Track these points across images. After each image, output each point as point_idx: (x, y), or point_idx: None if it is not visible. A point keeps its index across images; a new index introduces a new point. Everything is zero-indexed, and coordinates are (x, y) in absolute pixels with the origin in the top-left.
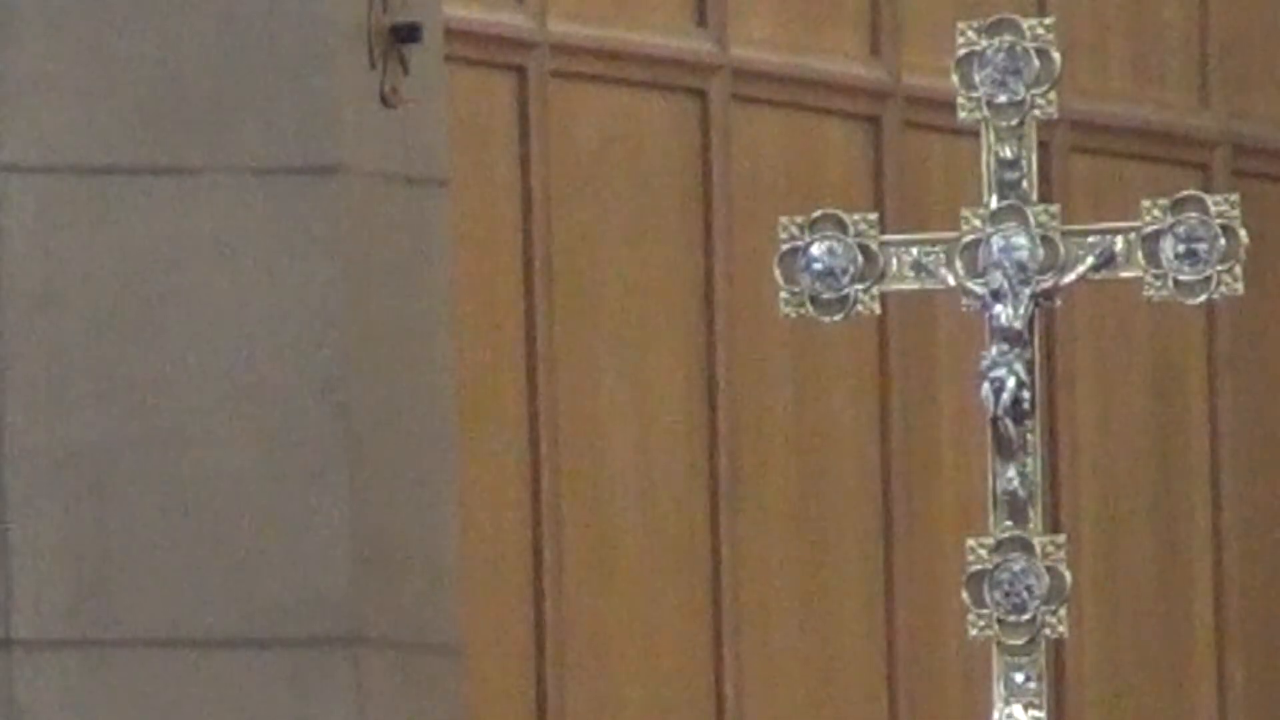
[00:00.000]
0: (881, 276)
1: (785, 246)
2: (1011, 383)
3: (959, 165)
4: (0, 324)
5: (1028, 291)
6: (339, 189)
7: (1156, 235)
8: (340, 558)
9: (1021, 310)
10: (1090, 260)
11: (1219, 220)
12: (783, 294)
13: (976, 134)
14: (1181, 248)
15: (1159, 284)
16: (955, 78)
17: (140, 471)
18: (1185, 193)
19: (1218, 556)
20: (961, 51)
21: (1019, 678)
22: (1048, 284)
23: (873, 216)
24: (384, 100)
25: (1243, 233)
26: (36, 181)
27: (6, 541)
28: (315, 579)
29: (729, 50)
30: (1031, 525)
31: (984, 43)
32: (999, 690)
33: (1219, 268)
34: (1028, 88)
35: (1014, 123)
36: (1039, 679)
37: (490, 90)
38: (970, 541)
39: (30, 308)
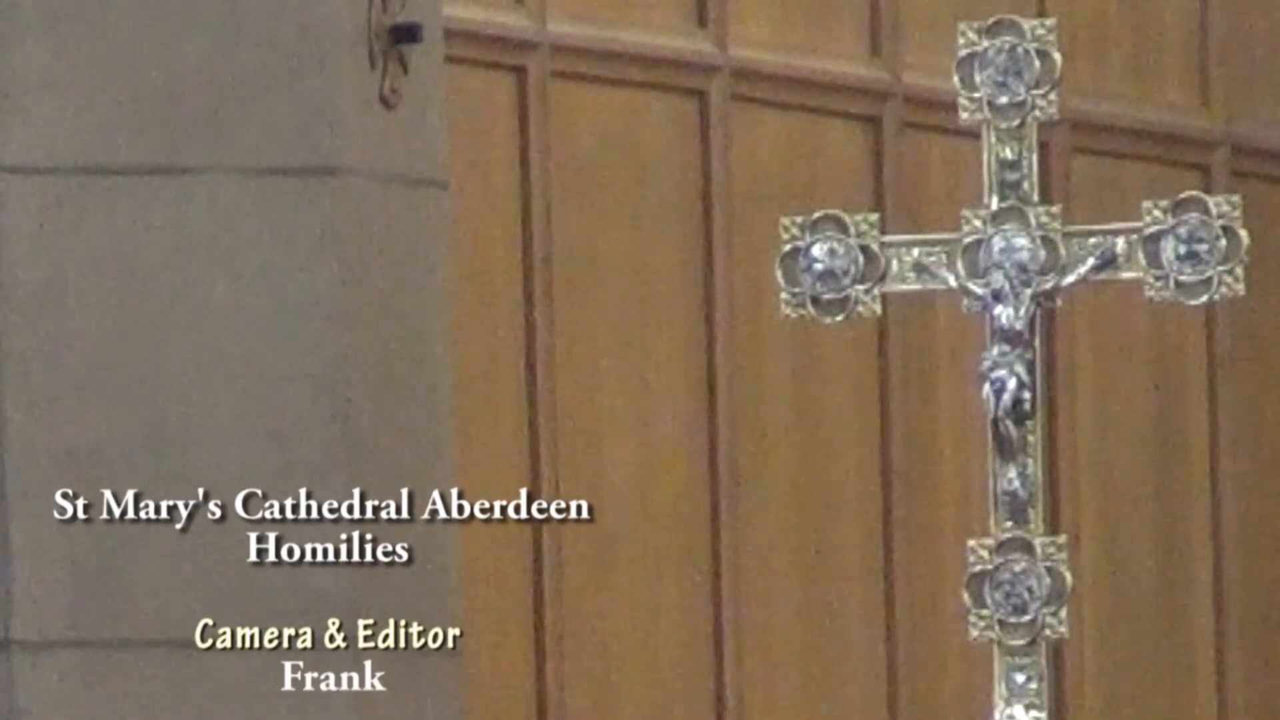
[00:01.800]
0: (882, 277)
1: (786, 247)
2: (1012, 384)
3: (959, 165)
4: (0, 324)
5: (1029, 292)
6: (338, 189)
7: (1158, 236)
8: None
9: (1022, 311)
10: (1091, 261)
11: (1220, 221)
12: (783, 295)
13: (976, 134)
14: (1183, 249)
15: (1160, 285)
16: (956, 79)
17: (141, 471)
18: (1186, 194)
19: (1218, 556)
20: (962, 52)
21: (1020, 678)
22: (1049, 285)
23: (874, 217)
24: (384, 101)
25: (1244, 234)
26: (36, 181)
27: (7, 541)
28: (315, 579)
29: (729, 50)
30: (1032, 526)
31: (985, 44)
32: (1000, 691)
33: (1220, 269)
34: (1028, 89)
35: (1015, 124)
36: (1040, 680)
37: (490, 90)
38: (971, 542)
39: (30, 308)
